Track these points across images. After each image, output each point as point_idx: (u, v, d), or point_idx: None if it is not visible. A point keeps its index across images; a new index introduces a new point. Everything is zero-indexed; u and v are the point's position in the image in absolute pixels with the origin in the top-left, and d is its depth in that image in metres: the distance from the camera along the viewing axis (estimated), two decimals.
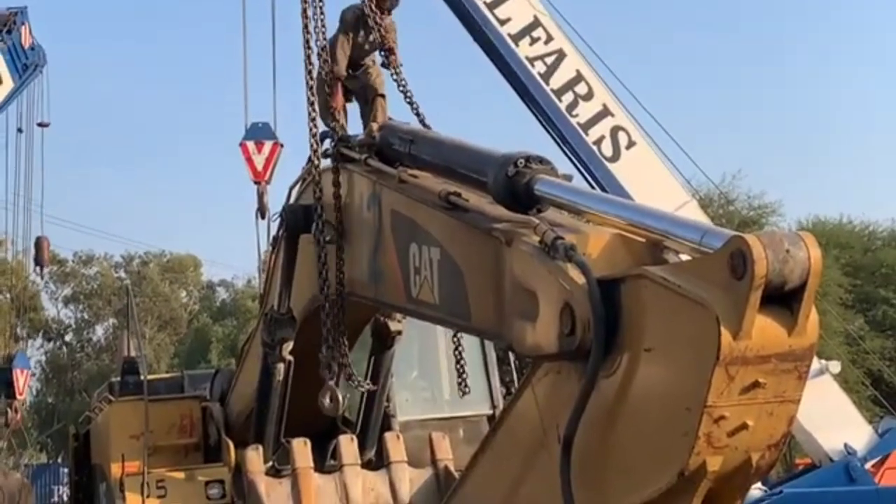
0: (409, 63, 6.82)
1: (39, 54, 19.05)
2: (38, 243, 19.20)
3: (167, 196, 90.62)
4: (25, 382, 19.03)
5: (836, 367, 14.92)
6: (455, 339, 8.05)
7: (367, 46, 7.24)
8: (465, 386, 8.16)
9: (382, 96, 7.21)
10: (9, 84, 18.40)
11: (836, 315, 25.56)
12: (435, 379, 10.78)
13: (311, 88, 6.38)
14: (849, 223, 36.32)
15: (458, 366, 8.09)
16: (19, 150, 19.66)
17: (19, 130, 19.57)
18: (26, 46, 18.68)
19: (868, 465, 14.29)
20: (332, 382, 6.40)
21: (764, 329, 3.32)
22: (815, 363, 13.50)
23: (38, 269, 19.65)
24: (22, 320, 22.66)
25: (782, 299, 3.33)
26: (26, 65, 18.71)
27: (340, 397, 6.38)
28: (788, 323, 3.35)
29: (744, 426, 3.41)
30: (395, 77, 6.69)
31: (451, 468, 6.99)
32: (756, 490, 12.31)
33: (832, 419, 14.21)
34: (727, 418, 3.38)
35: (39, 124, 19.53)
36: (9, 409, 18.88)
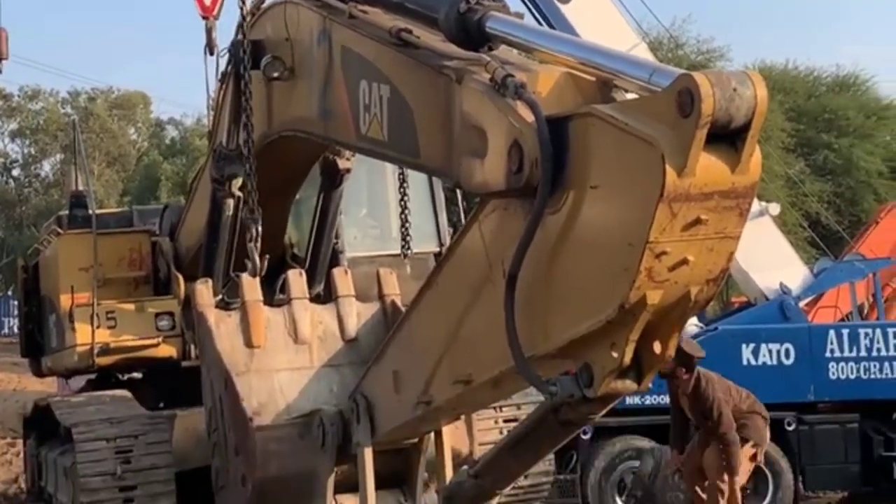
0: None
1: None
2: None
3: (116, 31, 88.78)
4: None
5: (775, 209, 15.12)
6: (401, 197, 7.84)
7: None
8: (408, 248, 8.03)
9: None
10: None
11: (778, 158, 25.81)
12: (383, 216, 10.82)
13: None
14: (794, 69, 36.37)
15: (403, 227, 7.94)
16: None
17: None
18: None
19: (802, 304, 14.63)
20: (251, 245, 6.48)
21: (708, 167, 3.35)
22: (755, 205, 13.70)
23: None
24: None
25: (727, 138, 3.36)
26: None
27: (258, 265, 6.49)
28: (732, 161, 3.39)
29: (684, 261, 3.48)
30: None
31: (398, 303, 7.05)
32: (692, 326, 12.59)
33: (769, 259, 14.48)
34: (668, 254, 3.44)
35: None
36: None
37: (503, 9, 4.41)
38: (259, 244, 6.43)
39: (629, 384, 3.83)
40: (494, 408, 7.92)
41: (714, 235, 3.47)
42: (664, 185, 3.33)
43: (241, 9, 6.43)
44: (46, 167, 58.28)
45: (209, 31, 14.65)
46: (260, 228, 6.38)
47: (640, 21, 17.56)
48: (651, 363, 3.81)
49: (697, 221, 3.41)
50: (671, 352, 3.81)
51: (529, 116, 3.82)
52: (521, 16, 4.53)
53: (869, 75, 36.60)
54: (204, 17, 15.03)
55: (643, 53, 14.34)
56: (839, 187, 32.08)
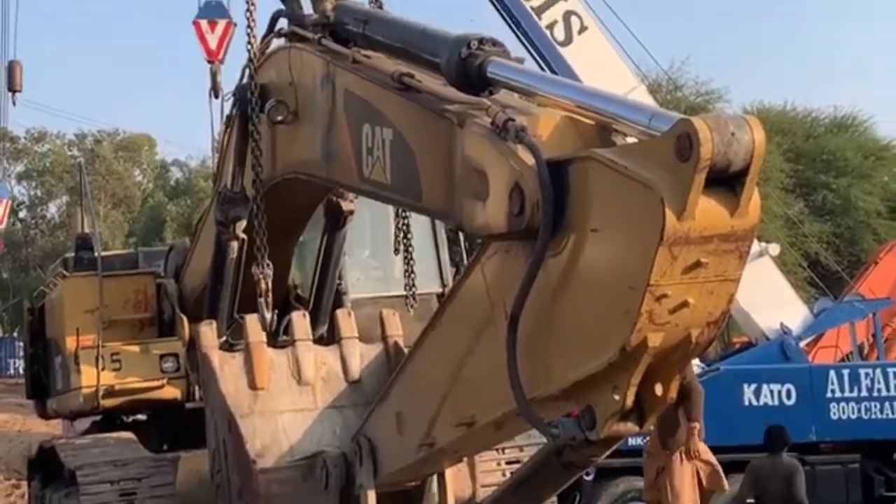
0: None
1: None
2: (11, 67, 18.33)
3: (122, 74, 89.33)
4: (5, 211, 18.36)
5: (775, 249, 15.16)
6: (402, 239, 7.66)
7: None
8: (414, 294, 7.82)
9: None
10: None
11: (777, 199, 25.87)
12: (386, 258, 10.81)
13: None
14: (792, 110, 36.52)
15: (407, 271, 7.80)
16: None
17: None
18: None
19: (802, 344, 14.63)
20: (262, 300, 6.46)
21: (707, 210, 3.35)
22: (755, 245, 13.71)
23: (11, 95, 18.67)
24: None
25: (726, 181, 3.36)
26: None
27: (268, 319, 6.50)
28: (731, 204, 3.38)
29: (685, 304, 3.46)
30: None
31: (401, 344, 7.03)
32: (694, 367, 12.56)
33: (769, 299, 14.49)
34: (669, 296, 3.43)
35: None
36: None
37: (504, 53, 4.43)
38: (270, 298, 6.43)
39: (631, 426, 3.81)
40: (497, 449, 7.88)
41: (714, 278, 3.46)
42: (664, 229, 3.32)
43: (249, 52, 6.45)
44: (52, 209, 58.48)
45: (214, 75, 14.82)
46: (270, 283, 6.38)
47: (639, 63, 17.66)
48: (653, 405, 3.78)
49: (697, 264, 3.41)
50: (673, 394, 3.79)
51: (530, 160, 3.82)
52: (521, 60, 4.55)
53: (867, 116, 36.80)
54: (209, 62, 15.20)
55: (642, 96, 14.43)
56: (838, 227, 32.11)
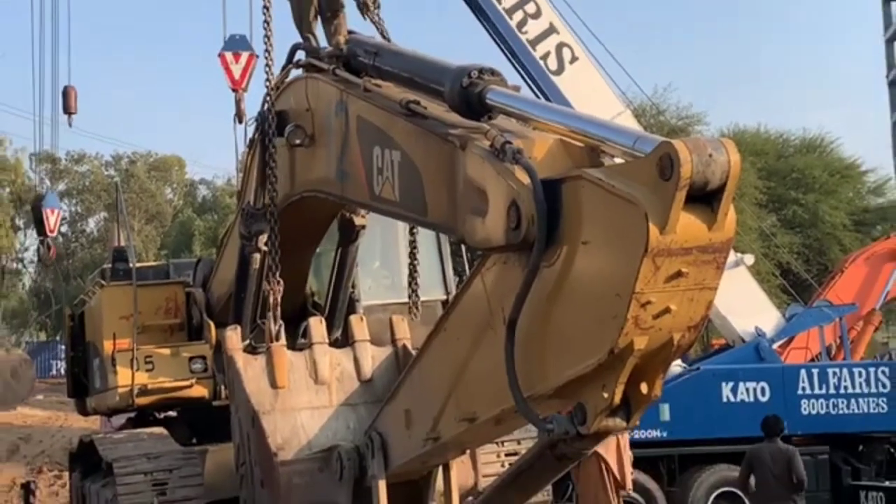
0: None
1: None
2: (66, 92, 18.26)
3: (155, 101, 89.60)
4: (57, 221, 18.12)
5: (750, 259, 15.17)
6: (410, 256, 7.68)
7: None
8: (417, 302, 7.84)
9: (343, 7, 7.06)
10: None
11: (752, 213, 25.84)
12: (395, 268, 10.82)
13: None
14: (765, 132, 36.52)
15: (411, 280, 7.71)
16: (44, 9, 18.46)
17: None
18: None
19: (775, 346, 14.62)
20: (270, 314, 6.52)
21: (687, 225, 3.37)
22: (732, 256, 13.72)
23: (68, 117, 18.55)
24: (20, 212, 22.01)
25: (704, 198, 3.37)
26: None
27: (275, 330, 6.56)
28: (709, 219, 3.40)
29: (667, 310, 3.48)
30: None
31: (409, 346, 7.03)
32: (676, 367, 12.56)
33: (745, 305, 14.49)
34: (653, 303, 3.44)
35: None
36: (41, 246, 18.15)
37: (501, 82, 4.45)
38: (278, 312, 6.46)
39: (619, 422, 3.82)
40: (497, 442, 7.88)
41: (694, 286, 3.47)
42: (648, 242, 3.34)
43: (267, 86, 6.49)
44: (91, 224, 58.54)
45: (238, 102, 14.82)
46: (279, 298, 6.41)
47: (625, 90, 17.74)
48: (639, 402, 3.79)
49: (679, 274, 3.42)
50: (657, 392, 3.80)
51: (526, 179, 3.84)
52: (517, 88, 4.56)
53: (834, 137, 36.79)
54: (233, 90, 15.21)
55: (628, 120, 14.43)
56: (807, 239, 32.07)
